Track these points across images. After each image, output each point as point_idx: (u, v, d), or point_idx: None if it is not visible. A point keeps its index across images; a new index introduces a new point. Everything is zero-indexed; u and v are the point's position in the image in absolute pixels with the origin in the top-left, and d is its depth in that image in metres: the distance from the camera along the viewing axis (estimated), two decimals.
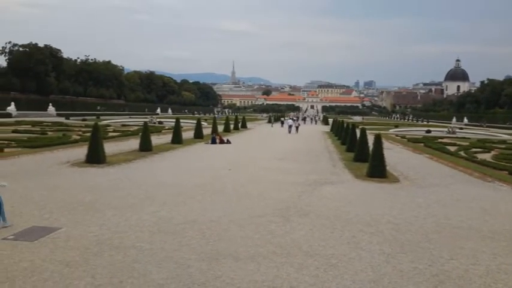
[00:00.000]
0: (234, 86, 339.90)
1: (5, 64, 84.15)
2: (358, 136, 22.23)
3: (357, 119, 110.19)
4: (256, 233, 8.45)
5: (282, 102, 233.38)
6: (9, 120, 46.19)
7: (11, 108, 60.01)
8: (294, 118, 71.95)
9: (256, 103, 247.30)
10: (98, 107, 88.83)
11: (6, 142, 22.53)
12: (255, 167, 18.09)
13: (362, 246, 7.90)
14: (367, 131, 21.60)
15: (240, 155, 23.13)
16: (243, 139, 36.87)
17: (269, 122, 78.95)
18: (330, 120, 70.43)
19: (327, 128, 59.71)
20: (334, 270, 6.68)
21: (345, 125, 34.02)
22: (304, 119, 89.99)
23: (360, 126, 26.16)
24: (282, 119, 77.93)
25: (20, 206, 9.87)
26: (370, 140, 19.29)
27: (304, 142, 34.49)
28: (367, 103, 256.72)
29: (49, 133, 30.85)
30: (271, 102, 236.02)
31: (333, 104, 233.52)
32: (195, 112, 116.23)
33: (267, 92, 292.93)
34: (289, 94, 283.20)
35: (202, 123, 36.17)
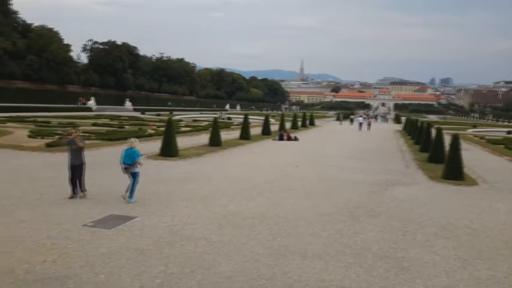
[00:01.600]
0: (302, 82, 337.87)
1: (86, 61, 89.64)
2: (433, 136, 21.23)
3: (432, 117, 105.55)
4: (324, 231, 8.34)
5: (351, 100, 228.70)
6: (90, 114, 49.24)
7: (91, 102, 63.90)
8: (364, 116, 70.21)
9: (325, 100, 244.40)
10: (169, 103, 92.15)
11: (86, 134, 24.05)
12: (323, 165, 17.87)
13: (436, 250, 7.54)
14: (443, 131, 20.57)
15: (308, 153, 22.95)
16: (310, 136, 36.58)
17: (338, 119, 77.78)
18: (403, 119, 68.00)
19: (399, 127, 57.73)
20: (405, 274, 6.43)
21: (419, 124, 32.68)
22: (375, 117, 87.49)
23: (435, 126, 24.99)
24: (352, 116, 76.43)
25: (99, 194, 10.47)
26: (446, 140, 18.36)
27: (375, 141, 33.56)
28: (443, 101, 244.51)
29: (126, 127, 32.48)
30: (339, 100, 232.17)
31: (406, 102, 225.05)
32: (264, 109, 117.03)
33: (335, 88, 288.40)
34: (359, 91, 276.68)
35: (270, 119, 36.33)
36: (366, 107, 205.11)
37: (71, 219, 8.24)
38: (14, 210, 8.72)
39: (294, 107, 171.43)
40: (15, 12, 74.68)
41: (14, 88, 62.41)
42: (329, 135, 40.56)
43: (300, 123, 47.09)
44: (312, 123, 54.11)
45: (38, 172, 13.22)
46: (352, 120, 66.75)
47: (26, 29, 73.44)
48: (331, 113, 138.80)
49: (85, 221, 8.20)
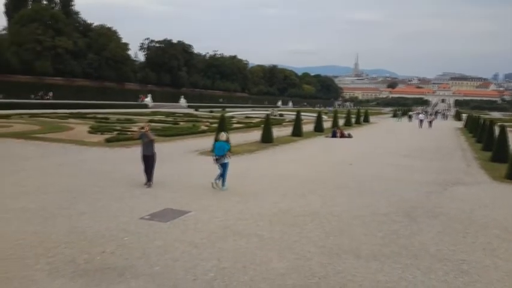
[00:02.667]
0: (356, 78, 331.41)
1: (143, 59, 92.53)
2: (496, 134, 20.16)
3: (495, 115, 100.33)
4: (379, 231, 8.11)
5: (408, 96, 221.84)
6: (146, 111, 50.83)
7: (148, 100, 65.87)
8: (423, 112, 67.82)
9: (380, 96, 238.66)
10: (220, 100, 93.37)
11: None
12: (378, 163, 17.42)
13: (498, 254, 7.14)
14: (507, 129, 19.46)
15: (362, 150, 22.47)
16: (365, 133, 35.82)
17: (394, 116, 75.68)
18: (464, 116, 65.14)
19: (460, 124, 55.33)
20: (465, 277, 6.14)
21: (481, 121, 31.14)
22: (435, 114, 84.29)
23: (498, 123, 23.70)
24: (410, 113, 74.08)
25: (155, 188, 10.76)
26: (510, 138, 17.37)
27: (434, 138, 32.34)
28: (507, 98, 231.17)
29: (180, 123, 33.23)
30: (396, 96, 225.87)
31: (467, 98, 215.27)
32: (318, 105, 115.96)
33: (392, 84, 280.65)
34: (417, 87, 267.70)
35: (323, 116, 35.91)
36: (424, 103, 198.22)
37: (129, 212, 8.51)
38: (75, 202, 9.12)
39: (347, 104, 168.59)
40: (77, 13, 78.27)
41: (75, 86, 65.59)
42: (385, 132, 39.52)
43: (353, 120, 46.22)
44: (366, 120, 52.98)
45: (98, 166, 13.78)
46: (410, 117, 64.70)
47: (86, 28, 76.79)
48: (387, 109, 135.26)
49: (142, 214, 8.44)
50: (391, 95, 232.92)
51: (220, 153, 11.24)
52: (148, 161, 11.22)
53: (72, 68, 66.88)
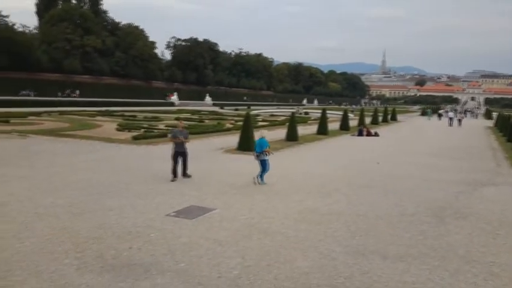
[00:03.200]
0: (383, 76, 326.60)
1: (169, 57, 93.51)
2: None
3: None
4: (406, 232, 7.98)
5: (437, 94, 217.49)
6: (172, 109, 51.34)
7: (174, 98, 66.53)
8: (453, 111, 66.41)
9: (408, 94, 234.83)
10: (244, 98, 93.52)
11: (170, 128, 25.04)
12: (406, 162, 17.14)
13: None
14: None
15: (389, 149, 22.17)
16: (392, 132, 35.32)
17: (422, 114, 74.39)
18: (494, 115, 63.46)
19: (490, 123, 53.95)
20: (495, 280, 5.98)
21: None
22: (464, 112, 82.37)
23: None
24: (440, 111, 72.64)
25: (180, 186, 10.86)
26: None
27: (463, 137, 31.65)
28: None
29: (206, 121, 33.44)
30: (424, 94, 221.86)
31: (498, 96, 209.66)
32: (344, 103, 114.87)
33: (420, 82, 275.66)
34: (446, 85, 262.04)
35: (349, 114, 35.57)
36: (454, 101, 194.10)
37: (155, 209, 8.61)
38: (103, 199, 9.28)
39: (374, 102, 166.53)
40: (105, 12, 79.65)
41: (103, 84, 66.80)
42: (413, 130, 38.88)
43: (380, 118, 45.60)
44: (393, 118, 52.23)
45: (125, 163, 13.99)
46: (440, 115, 63.45)
47: (114, 27, 78.04)
48: (415, 107, 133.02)
49: (168, 211, 8.53)
50: (419, 93, 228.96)
51: (259, 150, 11.84)
52: (180, 157, 11.85)
53: (100, 67, 68.14)
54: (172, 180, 11.42)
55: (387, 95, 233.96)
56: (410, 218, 8.89)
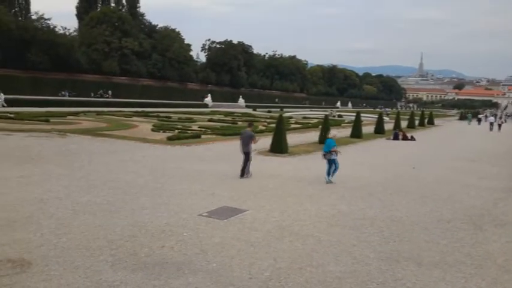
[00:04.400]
0: (420, 79, 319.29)
1: (204, 60, 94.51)
2: None
3: None
4: (442, 238, 7.76)
5: (476, 98, 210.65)
6: (206, 110, 51.86)
7: (208, 99, 67.19)
8: (493, 115, 64.37)
9: (446, 98, 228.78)
10: (276, 100, 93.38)
11: (203, 129, 25.38)
12: (443, 167, 16.70)
13: None
14: None
15: (426, 153, 21.66)
16: (429, 136, 34.51)
17: (461, 118, 72.44)
18: None
19: None
20: None
21: None
22: (505, 117, 79.38)
23: None
24: (480, 116, 70.52)
25: (212, 186, 10.94)
26: None
27: (503, 142, 30.59)
28: None
29: (239, 123, 33.58)
30: (462, 97, 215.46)
31: None
32: (380, 106, 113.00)
33: (458, 85, 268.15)
34: (486, 88, 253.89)
35: (384, 118, 34.97)
36: (494, 105, 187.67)
37: (188, 209, 8.70)
38: (137, 197, 9.45)
39: (411, 105, 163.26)
40: (142, 15, 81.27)
41: (140, 85, 68.19)
42: (451, 135, 37.88)
43: (417, 122, 44.64)
44: (431, 122, 51.03)
45: (159, 163, 14.21)
46: (479, 120, 61.59)
47: (151, 30, 79.52)
48: (453, 111, 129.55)
49: (200, 211, 8.60)
50: (457, 97, 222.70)
51: (326, 150, 12.52)
52: (246, 157, 12.69)
53: (138, 68, 69.58)
54: (240, 177, 12.40)
55: (424, 98, 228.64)
56: (447, 225, 8.64)
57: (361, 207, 9.72)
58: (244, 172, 12.53)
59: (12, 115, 27.34)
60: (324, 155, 12.61)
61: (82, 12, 73.98)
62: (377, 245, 7.20)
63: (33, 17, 62.92)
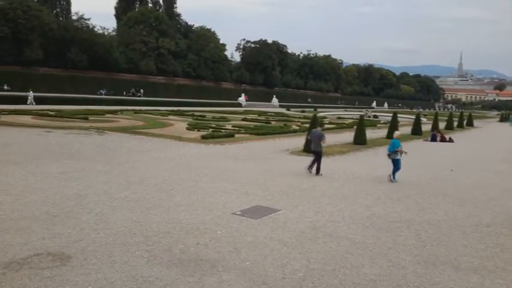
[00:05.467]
0: (459, 79, 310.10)
1: (238, 59, 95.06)
2: None
3: None
4: (481, 243, 7.52)
5: None
6: (240, 110, 52.14)
7: (241, 99, 67.51)
8: None
9: (486, 99, 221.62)
10: (309, 99, 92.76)
11: (236, 129, 25.53)
12: (483, 170, 16.18)
13: None
14: None
15: (464, 156, 21.04)
16: (468, 138, 33.53)
17: (501, 120, 70.10)
18: None
19: None
20: None
21: None
22: None
23: None
24: None
25: (246, 185, 10.98)
26: None
27: None
28: None
29: (272, 122, 33.61)
30: (504, 98, 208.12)
31: None
32: (418, 107, 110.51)
33: (499, 86, 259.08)
34: None
35: (422, 119, 34.19)
36: None
37: (222, 207, 8.77)
38: (173, 195, 9.60)
39: (449, 106, 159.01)
40: (179, 15, 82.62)
41: (176, 84, 69.31)
42: (490, 137, 36.68)
43: (455, 124, 43.44)
44: (470, 124, 49.55)
45: (194, 161, 14.39)
46: None
47: (187, 30, 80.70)
48: (493, 113, 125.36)
49: (234, 209, 8.65)
50: (498, 98, 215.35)
51: (392, 150, 12.74)
52: (316, 155, 13.19)
53: (174, 68, 70.72)
54: (309, 172, 13.01)
55: (463, 99, 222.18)
56: (486, 229, 8.37)
57: (397, 209, 9.54)
58: (319, 169, 13.02)
59: (52, 113, 28.31)
60: (389, 155, 12.89)
61: (120, 12, 75.84)
62: (413, 248, 7.05)
63: (74, 17, 65.12)
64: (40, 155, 13.63)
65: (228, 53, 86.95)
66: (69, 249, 6.12)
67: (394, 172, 12.67)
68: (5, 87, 40.56)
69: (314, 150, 13.35)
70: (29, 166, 11.81)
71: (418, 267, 6.29)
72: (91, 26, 63.52)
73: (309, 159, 16.41)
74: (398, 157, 12.72)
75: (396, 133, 14.09)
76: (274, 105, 71.43)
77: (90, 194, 9.22)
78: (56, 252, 5.99)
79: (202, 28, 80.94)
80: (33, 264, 5.57)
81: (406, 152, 13.21)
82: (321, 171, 13.03)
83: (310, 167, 13.12)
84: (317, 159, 13.13)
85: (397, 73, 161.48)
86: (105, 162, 13.10)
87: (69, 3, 70.49)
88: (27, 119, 24.50)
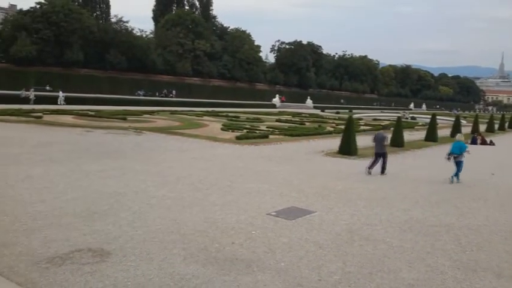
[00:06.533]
0: (501, 80, 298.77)
1: (273, 60, 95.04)
2: None
3: None
4: None
5: None
6: (274, 111, 52.15)
7: (276, 100, 67.51)
8: None
9: None
10: (342, 100, 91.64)
11: (270, 130, 25.54)
12: None
13: None
14: None
15: (506, 159, 20.32)
16: (510, 141, 32.36)
17: None
18: None
19: None
20: None
21: None
22: None
23: None
24: None
25: (280, 186, 10.96)
26: None
27: None
28: None
29: (306, 124, 33.46)
30: None
31: None
32: (457, 109, 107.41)
33: None
34: None
35: (461, 121, 33.22)
36: None
37: (256, 207, 8.79)
38: (208, 194, 9.70)
39: (490, 108, 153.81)
40: (214, 17, 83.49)
41: (210, 86, 70.03)
42: None
43: (497, 126, 42.00)
44: None
45: (229, 161, 14.50)
46: None
47: (223, 32, 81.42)
48: None
49: (268, 210, 8.66)
50: None
51: (457, 152, 12.96)
52: (379, 157, 13.81)
53: (209, 69, 71.48)
54: (368, 173, 13.52)
55: (505, 101, 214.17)
56: None
57: (436, 213, 9.31)
58: (384, 169, 13.68)
59: (92, 113, 29.15)
60: (455, 157, 13.01)
61: (158, 15, 77.34)
62: (453, 254, 6.87)
63: (113, 20, 66.73)
64: (80, 154, 14.06)
65: (262, 54, 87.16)
66: (109, 246, 6.28)
67: (457, 173, 12.87)
68: (47, 87, 42.10)
69: (377, 152, 13.90)
70: (70, 164, 12.20)
71: (458, 272, 6.12)
72: (130, 29, 65.00)
73: (345, 161, 16.28)
74: (462, 159, 12.96)
75: (459, 135, 14.14)
76: (308, 106, 71.08)
77: (128, 192, 9.43)
78: (96, 248, 6.16)
79: (237, 30, 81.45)
80: (75, 259, 5.75)
81: (469, 153, 13.58)
82: (354, 173, 12.88)
83: (370, 167, 13.64)
84: (383, 160, 13.78)
85: (435, 74, 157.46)
86: (143, 162, 13.38)
87: (108, 6, 72.45)
88: (68, 118, 25.33)
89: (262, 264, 5.99)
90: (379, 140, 14.04)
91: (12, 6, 75.98)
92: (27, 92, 37.62)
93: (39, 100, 36.49)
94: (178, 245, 6.47)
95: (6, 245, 6.04)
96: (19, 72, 47.20)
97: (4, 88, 39.72)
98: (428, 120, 28.13)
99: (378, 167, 13.74)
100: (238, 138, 20.40)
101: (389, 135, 14.91)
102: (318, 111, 57.97)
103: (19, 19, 52.83)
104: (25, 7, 56.23)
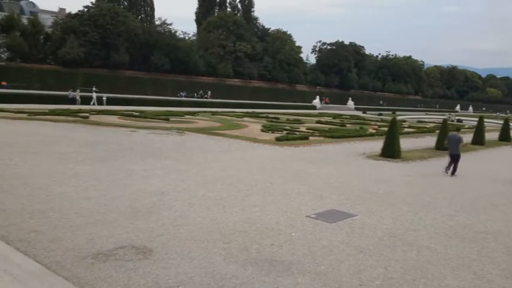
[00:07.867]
0: None
1: (314, 61, 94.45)
2: None
3: None
4: None
5: None
6: (314, 112, 51.80)
7: (316, 101, 67.04)
8: None
9: None
10: (381, 101, 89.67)
11: (310, 131, 25.35)
12: None
13: None
14: None
15: None
16: None
17: None
18: None
19: None
20: None
21: None
22: None
23: None
24: None
25: (320, 188, 10.87)
26: None
27: None
28: None
29: (347, 125, 33.00)
30: None
31: None
32: (507, 111, 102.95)
33: None
34: None
35: (511, 124, 31.81)
36: None
37: (296, 209, 8.75)
38: (248, 195, 9.74)
39: None
40: (256, 19, 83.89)
41: (251, 87, 70.41)
42: None
43: None
44: None
45: (268, 163, 14.49)
46: None
47: (264, 33, 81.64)
48: None
49: (308, 212, 8.60)
50: None
51: None
52: (454, 158, 14.22)
53: (250, 71, 71.89)
54: (446, 173, 14.18)
55: None
56: None
57: (482, 219, 8.96)
58: (455, 170, 14.13)
59: (136, 113, 29.93)
60: None
61: (200, 17, 78.52)
62: (501, 261, 6.59)
63: (157, 23, 68.28)
64: (125, 153, 14.44)
65: (303, 55, 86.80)
66: (152, 243, 6.41)
67: None
68: (94, 89, 43.55)
69: (452, 153, 14.28)
70: (115, 163, 12.55)
71: (506, 281, 5.87)
72: (173, 31, 66.30)
73: (388, 164, 15.95)
74: None
75: None
76: (349, 107, 70.17)
77: (170, 191, 9.61)
78: (139, 246, 6.30)
79: (278, 31, 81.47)
80: (118, 256, 5.91)
81: None
82: (397, 176, 12.58)
83: (448, 168, 14.22)
84: (455, 161, 14.14)
85: (483, 75, 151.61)
86: (184, 161, 13.60)
87: (153, 9, 74.19)
88: (113, 119, 26.10)
89: (301, 266, 5.95)
90: (454, 141, 14.37)
91: (62, 9, 79.08)
92: (74, 93, 39.11)
93: (84, 101, 37.97)
94: (219, 245, 6.53)
95: (54, 241, 6.28)
96: (67, 74, 49.20)
97: (53, 89, 41.50)
98: (475, 123, 27.07)
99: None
100: (278, 139, 20.36)
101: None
102: (359, 113, 57.07)
103: (68, 22, 54.99)
104: (73, 10, 58.56)
